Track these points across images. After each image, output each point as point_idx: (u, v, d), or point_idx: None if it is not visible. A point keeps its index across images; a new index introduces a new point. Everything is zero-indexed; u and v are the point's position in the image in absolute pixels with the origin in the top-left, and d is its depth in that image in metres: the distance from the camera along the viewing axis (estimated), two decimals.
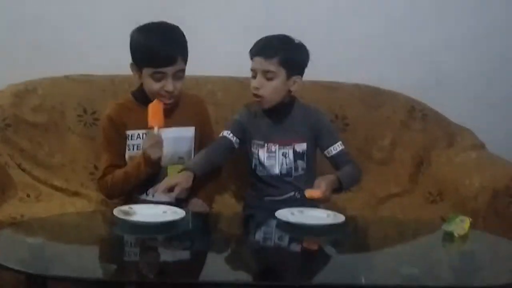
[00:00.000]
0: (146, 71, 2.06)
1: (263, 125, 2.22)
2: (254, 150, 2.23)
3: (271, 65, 2.11)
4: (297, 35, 2.43)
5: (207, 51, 2.60)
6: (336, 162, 2.22)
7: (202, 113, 2.25)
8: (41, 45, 2.60)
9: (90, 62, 2.58)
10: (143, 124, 2.08)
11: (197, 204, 2.09)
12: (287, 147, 2.20)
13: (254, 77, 2.15)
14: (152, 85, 2.06)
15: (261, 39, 2.16)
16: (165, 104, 2.08)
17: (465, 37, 2.78)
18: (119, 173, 2.09)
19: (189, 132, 2.17)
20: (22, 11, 2.60)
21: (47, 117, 2.45)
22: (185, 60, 2.09)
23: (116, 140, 2.13)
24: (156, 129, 2.03)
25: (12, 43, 2.61)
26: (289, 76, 2.14)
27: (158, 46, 2.04)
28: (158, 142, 2.02)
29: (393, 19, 2.74)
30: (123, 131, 2.13)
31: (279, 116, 2.20)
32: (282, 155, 2.20)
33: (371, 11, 2.73)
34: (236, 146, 2.23)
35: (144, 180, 2.10)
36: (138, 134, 2.13)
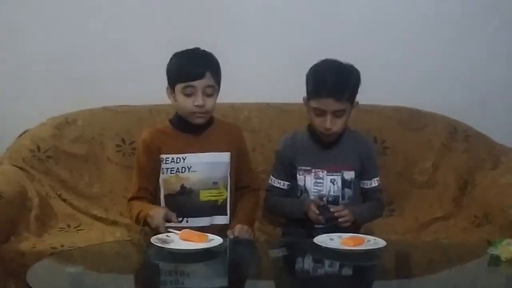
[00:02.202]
0: (178, 88, 2.11)
1: (310, 151, 2.19)
2: (300, 176, 2.19)
3: (343, 105, 2.09)
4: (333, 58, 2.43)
5: (242, 78, 2.62)
6: (366, 195, 2.23)
7: (238, 139, 2.25)
8: (79, 77, 2.66)
9: (128, 93, 2.62)
10: (178, 148, 2.13)
11: (243, 230, 2.07)
12: (336, 174, 2.17)
13: (319, 115, 2.11)
14: (184, 102, 2.10)
15: (324, 78, 2.09)
16: (197, 123, 2.13)
17: (505, 55, 2.72)
18: (134, 208, 2.12)
19: (224, 157, 2.17)
20: (61, 45, 2.67)
21: (87, 148, 2.49)
22: (215, 78, 2.12)
23: (147, 164, 2.16)
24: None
25: (52, 77, 2.68)
26: (352, 105, 2.14)
27: (188, 61, 2.13)
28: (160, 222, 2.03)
29: (430, 40, 2.70)
30: (157, 156, 2.15)
31: (328, 142, 2.18)
32: (331, 182, 2.18)
33: (410, 32, 2.70)
34: (287, 187, 2.23)
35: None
36: (172, 158, 2.14)
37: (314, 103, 2.11)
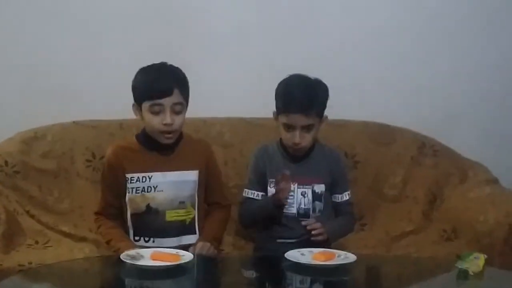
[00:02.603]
0: (145, 106, 2.05)
1: (280, 164, 2.19)
2: (271, 188, 2.19)
3: (312, 119, 2.11)
4: (305, 73, 2.44)
5: (213, 92, 2.62)
6: (337, 209, 2.25)
7: (208, 156, 2.20)
8: (48, 91, 2.62)
9: (98, 108, 2.59)
10: (143, 167, 2.08)
11: (204, 247, 2.05)
12: (306, 187, 2.18)
13: (288, 130, 2.13)
14: (151, 120, 2.05)
15: (293, 94, 2.11)
16: (166, 143, 2.09)
17: (472, 70, 2.77)
18: (104, 233, 2.11)
19: (191, 175, 2.13)
20: (31, 58, 2.63)
21: (56, 163, 2.46)
22: (183, 95, 2.07)
23: (111, 182, 2.13)
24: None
25: (20, 90, 2.64)
26: (320, 120, 2.16)
27: (154, 78, 2.06)
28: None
29: (399, 55, 2.75)
30: (122, 174, 2.11)
31: (299, 156, 2.19)
32: (301, 194, 2.19)
33: (377, 48, 2.74)
34: (262, 198, 2.22)
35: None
36: (138, 177, 2.10)
37: (283, 119, 2.13)
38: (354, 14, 2.72)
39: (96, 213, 2.17)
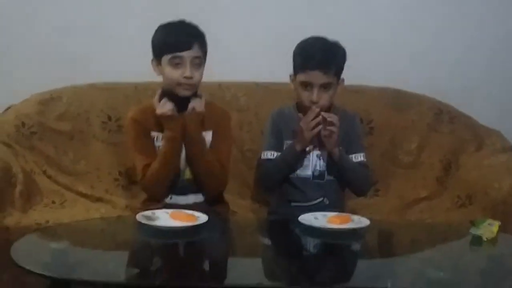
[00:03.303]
0: (165, 59, 2.08)
1: (297, 126, 2.17)
2: None
3: (330, 78, 2.10)
4: None
5: (229, 56, 2.61)
6: None
7: (223, 119, 2.21)
8: (65, 54, 2.63)
9: (114, 70, 2.59)
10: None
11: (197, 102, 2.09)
12: (322, 149, 2.17)
13: (306, 88, 2.11)
14: (171, 73, 2.07)
15: (311, 51, 2.11)
16: (183, 95, 2.09)
17: (491, 38, 2.73)
18: (156, 161, 2.09)
19: (207, 135, 2.16)
20: (47, 22, 2.63)
21: (72, 124, 2.48)
22: (202, 50, 2.10)
23: (144, 138, 2.13)
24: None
25: (37, 52, 2.65)
26: (338, 81, 2.15)
27: (175, 31, 2.10)
28: (166, 102, 2.05)
29: (419, 23, 2.71)
30: (149, 132, 2.14)
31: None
32: (317, 157, 2.18)
33: (398, 15, 2.70)
34: None
35: (179, 153, 2.10)
36: (161, 137, 2.12)
37: (301, 77, 2.11)
38: None
39: (141, 179, 2.12)
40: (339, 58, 2.13)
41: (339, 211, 2.03)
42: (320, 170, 2.18)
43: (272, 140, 2.22)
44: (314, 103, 2.11)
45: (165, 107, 2.07)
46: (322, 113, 2.09)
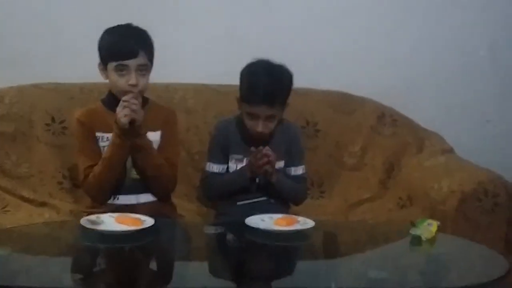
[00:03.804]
0: (110, 66, 2.08)
1: (242, 141, 2.21)
2: (232, 164, 2.22)
3: (274, 110, 2.13)
4: (269, 41, 2.44)
5: (178, 58, 2.60)
6: None
7: (169, 119, 2.22)
8: (8, 53, 2.57)
9: (58, 71, 2.55)
10: (111, 127, 2.07)
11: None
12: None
13: (251, 118, 2.13)
14: (117, 80, 2.08)
15: (257, 84, 2.10)
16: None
17: (433, 42, 2.81)
18: (98, 165, 2.08)
19: (155, 136, 2.15)
20: None
21: (15, 126, 2.42)
22: (149, 56, 2.10)
23: (89, 140, 2.12)
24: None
25: None
26: (284, 108, 2.18)
27: (120, 39, 2.10)
28: (128, 103, 2.02)
29: (362, 26, 2.77)
30: (94, 133, 2.12)
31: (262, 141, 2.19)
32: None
33: (341, 19, 2.75)
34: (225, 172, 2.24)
35: (125, 159, 2.09)
36: (108, 137, 2.11)
37: (246, 108, 2.14)
38: None
39: (82, 181, 2.11)
40: (285, 89, 2.16)
41: (284, 209, 2.07)
42: (264, 183, 2.21)
43: (217, 152, 2.24)
44: (259, 132, 2.13)
45: (123, 114, 2.01)
46: (264, 150, 2.11)
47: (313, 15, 2.74)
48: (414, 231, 1.90)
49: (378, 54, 2.79)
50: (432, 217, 2.03)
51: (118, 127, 2.04)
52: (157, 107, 2.21)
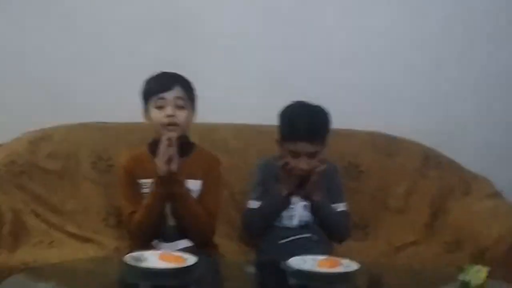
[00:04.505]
0: (151, 104, 2.15)
1: (279, 172, 2.20)
2: None
3: (316, 147, 2.15)
4: (310, 82, 2.46)
5: (218, 98, 2.63)
6: None
7: (213, 169, 2.22)
8: (56, 93, 2.65)
9: (105, 110, 2.61)
10: (154, 173, 2.09)
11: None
12: (307, 199, 2.21)
13: (294, 156, 2.15)
14: (156, 115, 2.13)
15: (297, 122, 2.15)
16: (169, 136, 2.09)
17: (477, 82, 2.79)
18: (140, 211, 2.11)
19: (195, 185, 2.16)
20: (38, 60, 2.66)
21: (62, 164, 2.47)
22: (186, 91, 2.17)
23: (132, 186, 2.16)
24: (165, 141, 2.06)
25: (28, 90, 2.66)
26: (324, 145, 2.19)
27: (157, 76, 2.20)
28: (165, 155, 2.04)
29: (405, 67, 2.76)
30: (136, 180, 2.16)
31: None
32: (302, 207, 2.22)
33: (386, 59, 2.76)
34: None
35: (163, 206, 2.10)
36: (150, 183, 2.13)
37: (289, 145, 2.17)
38: (361, 26, 2.74)
39: (126, 226, 2.16)
40: (324, 126, 2.19)
41: (327, 248, 2.05)
42: (306, 221, 2.22)
43: (259, 189, 2.26)
44: (302, 170, 2.15)
45: (165, 166, 2.04)
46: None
47: (353, 54, 2.75)
48: (463, 277, 1.84)
49: (421, 94, 2.77)
50: (480, 262, 1.96)
51: (157, 175, 2.06)
52: (202, 153, 2.23)
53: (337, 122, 2.25)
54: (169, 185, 2.07)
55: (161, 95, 2.13)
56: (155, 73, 2.21)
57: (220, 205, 2.25)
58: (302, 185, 2.19)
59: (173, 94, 2.13)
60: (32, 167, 2.44)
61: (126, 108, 2.45)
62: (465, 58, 2.78)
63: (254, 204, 2.25)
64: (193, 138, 2.26)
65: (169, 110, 2.11)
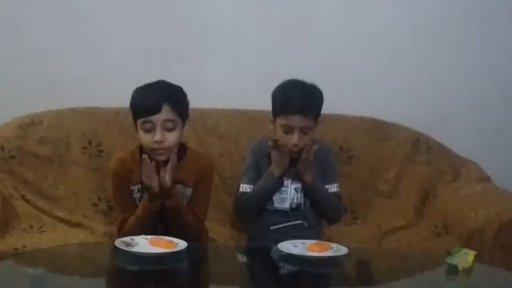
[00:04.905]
0: (138, 123, 2.05)
1: (272, 152, 2.21)
2: None
3: (309, 121, 2.15)
4: (302, 68, 2.45)
5: (211, 84, 2.63)
6: None
7: (205, 173, 2.15)
8: (46, 77, 2.63)
9: (95, 95, 2.60)
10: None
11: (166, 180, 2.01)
12: (299, 182, 2.21)
13: (287, 132, 2.15)
14: (143, 137, 2.04)
15: (291, 95, 2.15)
16: (158, 160, 2.03)
17: (469, 69, 2.79)
18: (132, 220, 2.06)
19: (188, 192, 2.13)
20: (28, 45, 2.63)
21: (52, 149, 2.47)
22: (176, 111, 2.04)
23: (125, 191, 2.12)
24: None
25: (18, 76, 2.64)
26: (316, 123, 2.19)
27: (143, 95, 2.05)
28: (149, 175, 1.99)
29: (397, 53, 2.76)
30: (128, 186, 2.12)
31: (293, 158, 2.20)
32: (295, 190, 2.22)
33: (375, 45, 2.75)
34: None
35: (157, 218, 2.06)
36: (138, 188, 2.11)
37: (281, 120, 2.16)
38: (353, 12, 2.74)
39: (118, 231, 2.10)
40: (317, 101, 2.19)
41: (317, 234, 2.05)
42: (297, 203, 2.23)
43: (252, 173, 2.25)
44: (295, 145, 2.15)
45: (152, 182, 1.98)
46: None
47: (345, 42, 2.75)
48: (451, 260, 1.86)
49: (412, 80, 2.78)
50: (468, 246, 1.99)
51: (148, 191, 2.02)
52: (195, 157, 2.16)
53: (328, 107, 2.25)
54: (161, 199, 2.03)
55: (147, 118, 2.00)
56: (144, 87, 2.07)
57: (207, 208, 2.19)
58: (293, 165, 2.18)
59: (162, 117, 2.00)
60: (22, 152, 2.43)
61: (117, 92, 2.43)
62: (456, 45, 2.78)
63: (246, 187, 2.24)
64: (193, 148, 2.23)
65: (157, 135, 1.99)
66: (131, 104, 2.09)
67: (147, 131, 2.02)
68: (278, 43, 2.72)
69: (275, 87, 2.21)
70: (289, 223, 2.21)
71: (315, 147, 2.15)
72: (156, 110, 2.01)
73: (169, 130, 2.03)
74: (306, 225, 2.22)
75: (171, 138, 2.03)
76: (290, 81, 2.21)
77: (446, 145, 2.67)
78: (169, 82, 2.10)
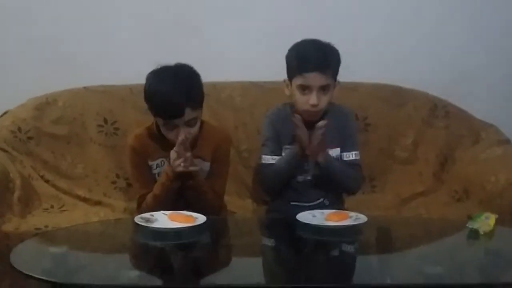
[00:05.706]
0: (159, 120, 2.07)
1: (294, 130, 2.13)
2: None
3: (328, 79, 2.07)
4: (316, 37, 2.42)
5: (224, 56, 2.62)
6: None
7: (222, 148, 2.16)
8: (59, 57, 2.63)
9: (108, 73, 2.59)
10: (163, 152, 2.08)
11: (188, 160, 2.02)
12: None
13: (304, 92, 2.08)
14: (166, 134, 2.06)
15: (307, 53, 2.08)
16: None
17: (487, 32, 2.73)
18: (149, 198, 2.08)
19: (205, 166, 2.14)
20: (42, 25, 2.63)
21: (68, 128, 2.48)
22: (196, 108, 2.05)
23: (141, 168, 2.13)
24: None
25: (31, 57, 2.65)
26: (335, 83, 2.13)
27: (166, 98, 2.02)
28: (182, 155, 2.00)
29: (413, 17, 2.71)
30: (146, 161, 2.13)
31: (311, 121, 2.11)
32: (314, 163, 2.15)
33: (392, 10, 2.71)
34: None
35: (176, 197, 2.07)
36: (157, 164, 2.12)
37: (298, 80, 2.08)
38: None
39: (137, 208, 2.12)
40: (335, 59, 2.12)
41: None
42: (319, 175, 2.16)
43: (271, 144, 2.18)
44: (314, 105, 2.07)
45: (177, 165, 2.00)
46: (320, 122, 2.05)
47: (362, 7, 2.70)
48: (471, 225, 1.85)
49: (430, 45, 2.73)
50: (489, 210, 1.97)
51: (171, 171, 2.02)
52: (211, 131, 2.16)
53: (343, 75, 2.21)
54: (183, 179, 2.04)
55: (170, 120, 2.02)
56: (161, 78, 2.04)
57: (226, 184, 2.20)
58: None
59: (185, 118, 2.01)
60: (38, 133, 2.45)
61: (130, 69, 2.44)
62: (472, 8, 2.72)
63: (267, 159, 2.18)
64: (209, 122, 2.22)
65: (181, 134, 2.00)
66: (149, 98, 2.06)
67: (170, 129, 2.05)
68: (289, 12, 2.68)
69: (290, 48, 2.14)
70: (311, 203, 2.14)
71: (324, 122, 2.05)
72: (179, 114, 2.01)
73: (192, 125, 2.06)
74: (327, 203, 2.16)
75: (194, 130, 2.06)
76: (304, 40, 2.13)
77: (465, 109, 2.63)
78: (185, 76, 2.05)
